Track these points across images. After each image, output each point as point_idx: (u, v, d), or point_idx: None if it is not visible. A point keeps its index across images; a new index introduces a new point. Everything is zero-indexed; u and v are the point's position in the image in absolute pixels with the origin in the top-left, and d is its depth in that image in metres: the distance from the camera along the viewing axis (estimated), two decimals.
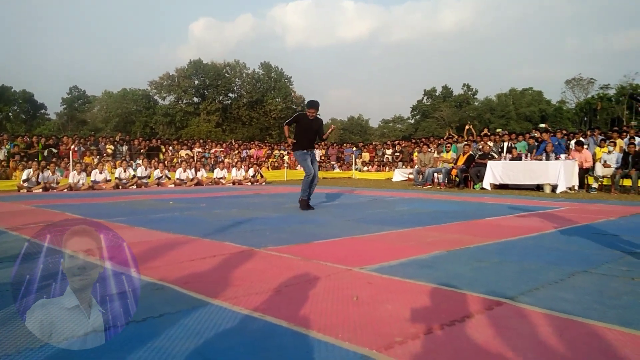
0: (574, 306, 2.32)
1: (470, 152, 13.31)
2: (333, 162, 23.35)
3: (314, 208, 7.22)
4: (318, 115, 7.46)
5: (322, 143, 27.72)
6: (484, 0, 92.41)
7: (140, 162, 15.60)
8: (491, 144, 14.27)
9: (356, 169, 21.39)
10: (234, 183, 15.68)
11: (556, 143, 12.32)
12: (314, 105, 7.39)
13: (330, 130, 8.00)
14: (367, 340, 1.89)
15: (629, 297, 2.51)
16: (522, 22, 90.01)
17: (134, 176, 14.36)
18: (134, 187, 13.83)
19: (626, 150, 11.52)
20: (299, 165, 7.51)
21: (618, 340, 1.91)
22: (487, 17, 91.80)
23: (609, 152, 11.46)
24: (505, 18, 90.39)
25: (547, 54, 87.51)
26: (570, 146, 13.02)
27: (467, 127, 19.81)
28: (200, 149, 20.60)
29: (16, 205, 8.12)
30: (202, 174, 15.74)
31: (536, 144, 13.14)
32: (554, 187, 10.85)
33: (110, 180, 13.60)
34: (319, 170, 21.14)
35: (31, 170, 12.34)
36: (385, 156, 22.58)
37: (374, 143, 28.34)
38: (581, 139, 13.48)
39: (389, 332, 1.97)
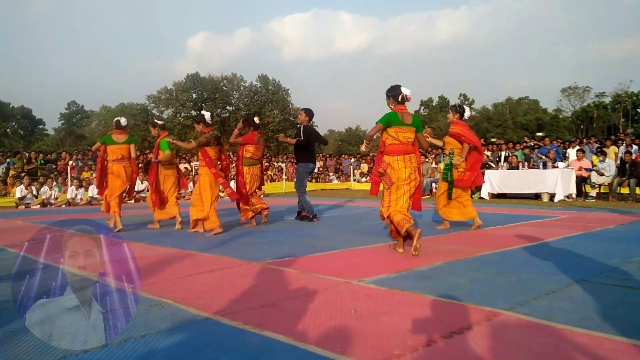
0: (570, 316, 2.32)
1: None
2: (331, 174, 23.37)
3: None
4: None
5: (321, 154, 27.77)
6: (479, 12, 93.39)
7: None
8: (488, 153, 14.32)
9: (354, 180, 21.40)
10: None
11: (558, 151, 12.40)
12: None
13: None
14: (366, 354, 1.89)
15: (625, 307, 2.52)
16: (517, 32, 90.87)
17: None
18: (132, 201, 13.82)
19: (623, 158, 11.58)
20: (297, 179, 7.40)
21: (615, 350, 1.91)
22: (483, 27, 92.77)
23: (601, 161, 11.50)
24: (500, 28, 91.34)
25: (542, 63, 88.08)
26: (567, 154, 13.08)
27: None
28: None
29: (13, 221, 8.10)
30: None
31: (533, 152, 13.19)
32: (551, 196, 10.88)
33: None
34: (318, 182, 21.31)
35: (22, 186, 12.30)
36: None
37: (371, 154, 28.36)
38: (578, 147, 13.54)
39: (388, 345, 1.98)
